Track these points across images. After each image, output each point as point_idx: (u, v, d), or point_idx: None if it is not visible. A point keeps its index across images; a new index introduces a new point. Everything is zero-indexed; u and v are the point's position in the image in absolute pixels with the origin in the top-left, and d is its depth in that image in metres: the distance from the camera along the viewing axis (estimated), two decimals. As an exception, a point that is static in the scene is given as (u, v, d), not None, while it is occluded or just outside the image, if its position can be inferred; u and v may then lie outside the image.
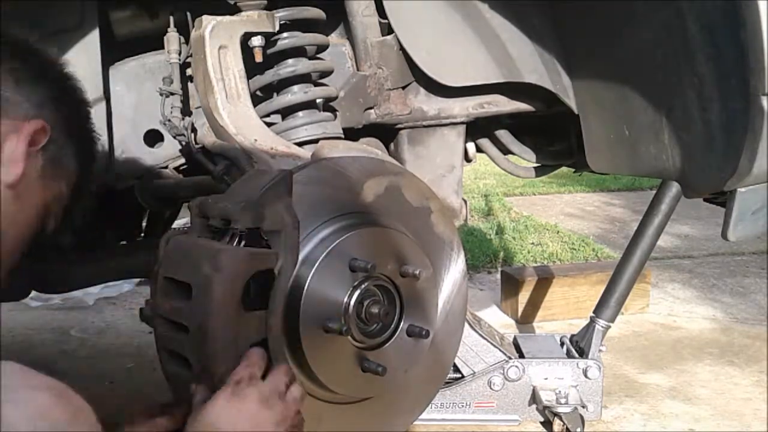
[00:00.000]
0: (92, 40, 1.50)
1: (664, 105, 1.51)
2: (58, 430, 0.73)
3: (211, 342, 1.07)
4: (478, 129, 1.86)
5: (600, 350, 1.90)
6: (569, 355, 1.95)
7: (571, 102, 1.72)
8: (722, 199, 1.56)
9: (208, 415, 1.00)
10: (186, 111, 1.59)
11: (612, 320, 1.88)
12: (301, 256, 1.23)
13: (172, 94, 1.54)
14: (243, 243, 1.14)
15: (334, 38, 1.69)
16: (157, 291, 1.17)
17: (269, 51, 1.51)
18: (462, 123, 1.75)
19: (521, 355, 1.95)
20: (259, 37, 1.46)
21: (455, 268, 1.52)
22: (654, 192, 1.77)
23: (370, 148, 1.55)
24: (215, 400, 1.01)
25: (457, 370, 1.88)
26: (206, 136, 1.55)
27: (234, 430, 0.99)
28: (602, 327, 1.88)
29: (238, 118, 1.43)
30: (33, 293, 1.76)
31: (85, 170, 1.14)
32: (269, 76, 1.54)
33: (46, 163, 1.03)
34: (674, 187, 1.64)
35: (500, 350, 1.89)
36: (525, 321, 2.78)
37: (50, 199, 1.06)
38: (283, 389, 1.08)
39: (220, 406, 1.01)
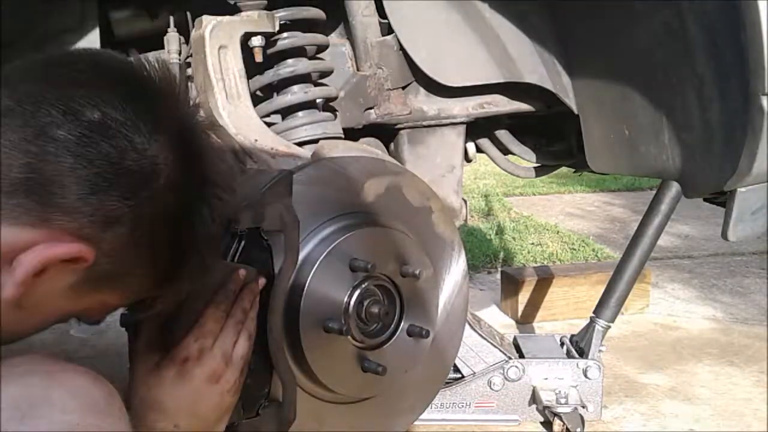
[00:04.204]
0: (92, 40, 1.50)
1: (664, 105, 1.51)
2: (99, 407, 0.77)
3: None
4: (478, 129, 1.86)
5: (600, 350, 1.90)
6: (569, 355, 1.95)
7: (571, 102, 1.72)
8: (722, 199, 1.56)
9: (154, 394, 0.98)
10: (186, 111, 1.59)
11: (612, 320, 1.88)
12: (301, 256, 1.23)
13: (172, 94, 1.54)
14: (243, 243, 1.14)
15: (334, 38, 1.69)
16: None
17: (269, 51, 1.51)
18: (462, 123, 1.75)
19: (521, 355, 1.95)
20: (259, 37, 1.46)
21: (456, 268, 1.52)
22: (654, 192, 1.77)
23: (370, 148, 1.55)
24: (161, 380, 0.99)
25: (457, 370, 1.88)
26: (206, 136, 1.55)
27: (181, 411, 0.98)
28: (602, 327, 1.88)
29: (238, 118, 1.43)
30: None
31: (171, 280, 0.91)
32: (269, 76, 1.54)
33: (89, 280, 0.83)
34: (674, 187, 1.64)
35: (500, 350, 1.89)
36: (525, 321, 2.78)
37: (83, 309, 0.88)
38: (230, 353, 1.04)
39: (165, 386, 0.99)
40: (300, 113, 1.54)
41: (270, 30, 1.47)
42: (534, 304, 2.79)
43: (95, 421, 0.76)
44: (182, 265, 0.90)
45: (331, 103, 1.61)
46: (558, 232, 4.26)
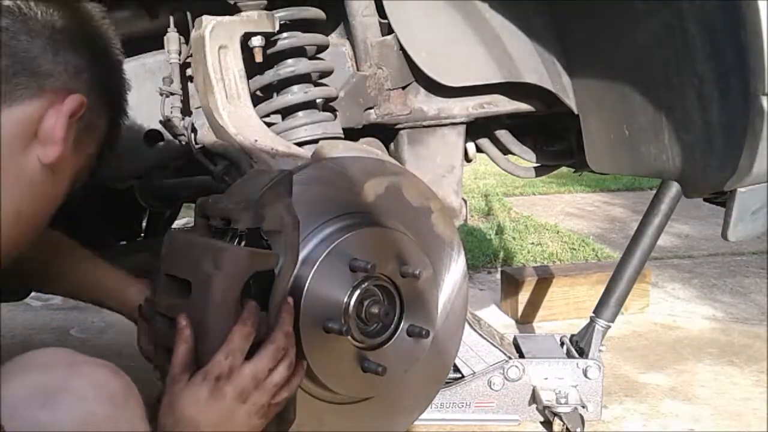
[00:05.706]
0: (92, 40, 1.49)
1: (664, 105, 1.51)
2: (116, 399, 0.85)
3: (210, 340, 1.07)
4: (478, 129, 1.86)
5: (600, 350, 1.90)
6: (569, 355, 1.95)
7: (571, 102, 1.72)
8: (722, 199, 1.56)
9: (188, 412, 1.01)
10: (186, 111, 1.59)
11: (612, 320, 1.88)
12: (301, 256, 1.23)
13: (172, 94, 1.54)
14: (243, 243, 1.14)
15: (334, 38, 1.69)
16: (158, 288, 1.17)
17: (269, 51, 1.51)
18: (462, 123, 1.75)
19: (521, 355, 1.95)
20: (259, 37, 1.46)
21: (455, 268, 1.52)
22: (654, 192, 1.77)
23: (370, 148, 1.55)
24: (196, 399, 1.02)
25: (457, 370, 1.88)
26: (206, 136, 1.55)
27: (215, 429, 1.02)
28: (602, 327, 1.88)
29: (238, 118, 1.43)
30: (33, 293, 1.76)
31: (116, 125, 1.10)
32: (269, 76, 1.54)
33: (81, 131, 0.97)
34: (674, 187, 1.64)
35: (500, 350, 1.89)
36: (525, 321, 2.78)
37: (83, 164, 1.02)
38: (262, 377, 1.08)
39: (200, 405, 1.01)
40: (300, 113, 1.54)
41: (270, 30, 1.47)
42: (534, 304, 2.79)
43: (111, 412, 0.83)
44: (121, 107, 1.11)
45: (331, 103, 1.61)
46: (558, 232, 4.26)
